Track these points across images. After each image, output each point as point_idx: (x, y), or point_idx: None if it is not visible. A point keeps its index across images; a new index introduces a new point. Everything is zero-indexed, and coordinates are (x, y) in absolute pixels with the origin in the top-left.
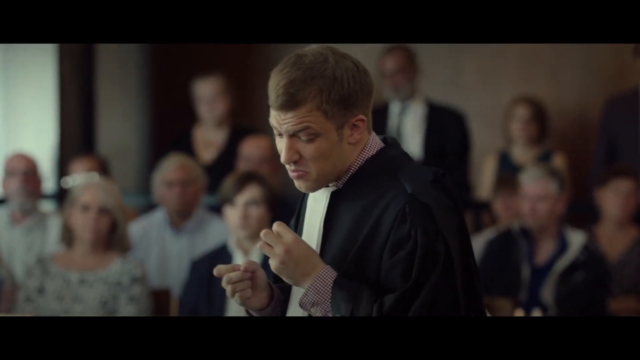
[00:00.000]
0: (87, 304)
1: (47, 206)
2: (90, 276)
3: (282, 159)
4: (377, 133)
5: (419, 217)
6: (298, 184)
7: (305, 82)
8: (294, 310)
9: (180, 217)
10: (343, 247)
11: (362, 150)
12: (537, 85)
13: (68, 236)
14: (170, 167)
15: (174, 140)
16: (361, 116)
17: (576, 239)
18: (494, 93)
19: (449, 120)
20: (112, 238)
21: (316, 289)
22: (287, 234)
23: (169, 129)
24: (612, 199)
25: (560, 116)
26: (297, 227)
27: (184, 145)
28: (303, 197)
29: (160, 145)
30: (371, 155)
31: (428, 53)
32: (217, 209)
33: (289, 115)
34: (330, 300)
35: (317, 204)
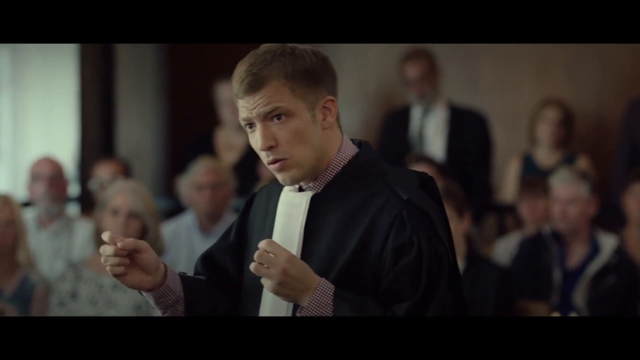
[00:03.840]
0: (120, 308)
1: (70, 209)
2: None
3: (260, 146)
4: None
5: (419, 223)
6: (281, 177)
7: (266, 62)
8: (269, 309)
9: (210, 220)
10: (331, 253)
11: (338, 151)
12: (554, 86)
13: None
14: (201, 170)
15: (197, 142)
16: (331, 97)
17: (608, 242)
18: (511, 95)
19: (471, 123)
20: None
21: (318, 303)
22: (281, 252)
23: (187, 132)
24: (633, 203)
25: (578, 117)
26: (243, 232)
27: (206, 148)
28: (249, 201)
29: (178, 148)
30: (350, 158)
31: (445, 56)
32: None
33: (257, 97)
34: (332, 314)
35: (294, 209)
